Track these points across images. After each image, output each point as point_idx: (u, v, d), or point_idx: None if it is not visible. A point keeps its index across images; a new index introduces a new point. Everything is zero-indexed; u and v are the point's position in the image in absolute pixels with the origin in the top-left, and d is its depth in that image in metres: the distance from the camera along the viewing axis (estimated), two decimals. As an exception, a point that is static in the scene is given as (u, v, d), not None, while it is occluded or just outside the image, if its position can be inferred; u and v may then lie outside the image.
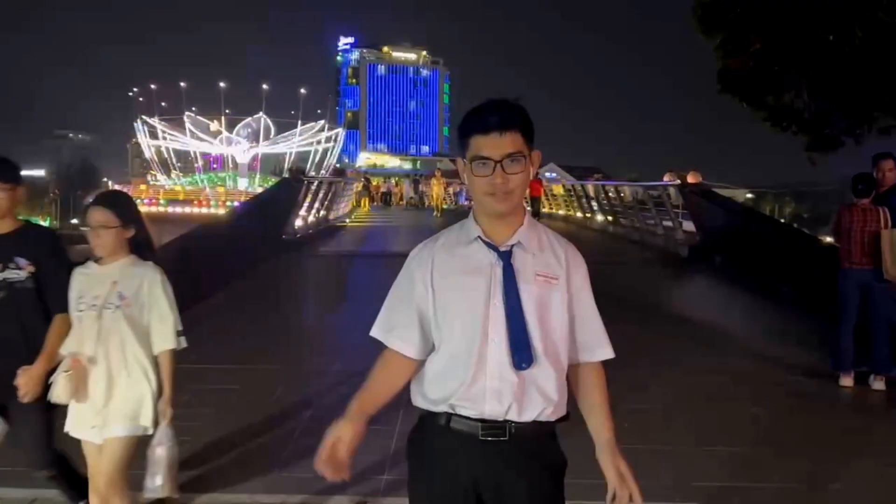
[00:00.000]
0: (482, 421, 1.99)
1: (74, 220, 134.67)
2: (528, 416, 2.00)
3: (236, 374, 6.51)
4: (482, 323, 2.00)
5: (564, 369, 2.08)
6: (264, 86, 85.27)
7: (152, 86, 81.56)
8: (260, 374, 6.55)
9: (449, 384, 2.01)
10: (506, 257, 2.03)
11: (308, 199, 18.12)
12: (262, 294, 10.63)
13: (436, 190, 30.34)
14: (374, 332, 2.15)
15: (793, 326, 8.66)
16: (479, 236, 2.06)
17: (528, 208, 2.31)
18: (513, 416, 1.99)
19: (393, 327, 2.11)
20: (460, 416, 2.01)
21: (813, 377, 6.68)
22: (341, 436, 1.99)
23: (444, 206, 30.30)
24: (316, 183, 19.58)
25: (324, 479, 2.10)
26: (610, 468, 2.08)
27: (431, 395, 2.06)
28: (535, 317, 2.01)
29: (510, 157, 1.98)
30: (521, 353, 1.98)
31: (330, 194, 21.11)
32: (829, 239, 9.94)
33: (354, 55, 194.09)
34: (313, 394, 5.99)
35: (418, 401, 2.11)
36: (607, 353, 2.16)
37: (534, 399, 2.00)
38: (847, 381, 6.45)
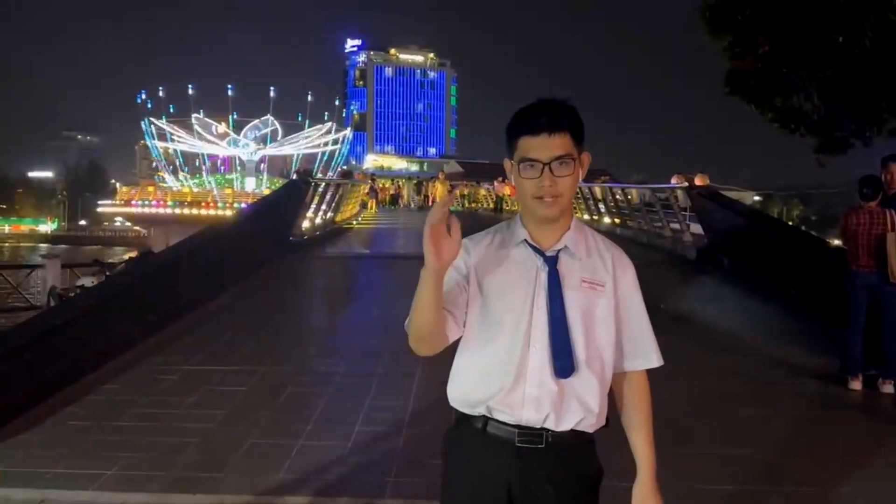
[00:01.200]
0: (519, 427, 1.96)
1: (83, 222, 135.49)
2: (566, 426, 1.97)
3: (243, 375, 6.51)
4: (525, 329, 1.95)
5: (607, 380, 2.04)
6: (271, 88, 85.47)
7: (160, 88, 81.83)
8: (267, 376, 6.55)
9: (487, 388, 1.98)
10: (552, 262, 1.99)
11: (315, 201, 18.14)
12: (268, 295, 10.64)
13: (439, 193, 29.34)
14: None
15: (800, 329, 8.62)
16: (525, 239, 2.01)
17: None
18: (550, 425, 1.96)
19: None
20: (497, 420, 1.98)
21: (821, 380, 6.65)
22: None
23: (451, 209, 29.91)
24: (323, 185, 19.60)
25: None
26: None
27: (469, 397, 2.02)
28: (579, 325, 1.96)
29: (559, 160, 1.92)
30: (563, 362, 1.94)
31: (337, 196, 21.13)
32: (836, 242, 9.90)
33: (362, 57, 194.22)
34: (320, 395, 5.99)
35: (455, 402, 2.06)
36: (654, 360, 2.11)
37: (573, 409, 1.96)
38: (856, 384, 6.42)
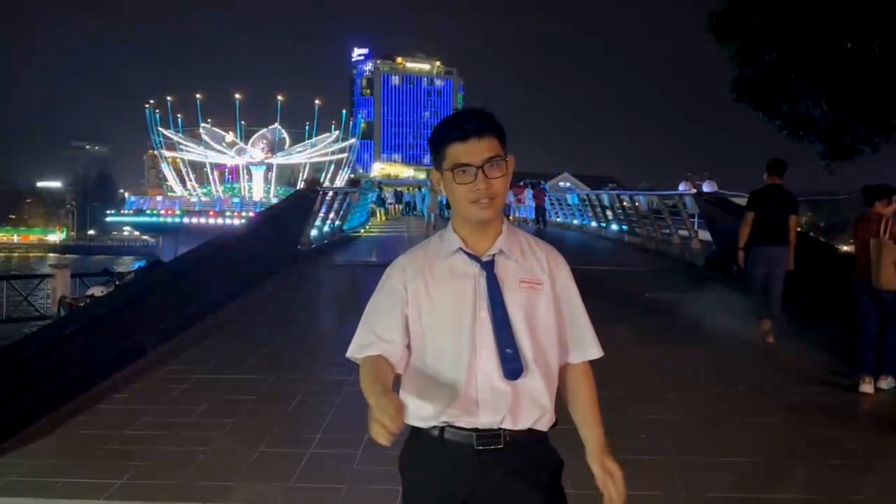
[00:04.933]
0: (476, 431, 1.98)
1: (91, 231, 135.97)
2: (522, 426, 2.00)
3: (253, 383, 6.52)
4: (469, 335, 1.98)
5: (556, 375, 2.07)
6: (279, 97, 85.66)
7: (167, 98, 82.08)
8: (277, 384, 6.55)
9: (439, 400, 1.99)
10: (488, 267, 2.03)
11: (323, 210, 18.19)
12: (277, 304, 10.66)
13: (430, 201, 24.14)
14: (351, 352, 2.09)
15: (810, 337, 8.58)
16: (460, 248, 2.05)
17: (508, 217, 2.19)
18: (507, 426, 1.98)
19: (374, 342, 2.04)
20: (454, 426, 2.00)
21: (831, 387, 6.62)
22: (396, 405, 1.80)
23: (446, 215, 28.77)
24: (330, 193, 19.65)
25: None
26: (596, 465, 2.07)
27: (421, 411, 2.03)
28: (523, 325, 2.00)
29: (490, 162, 1.98)
30: (512, 364, 1.96)
31: (345, 205, 21.18)
32: (845, 248, 9.93)
33: (368, 66, 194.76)
34: (330, 404, 5.99)
35: (409, 419, 2.04)
36: (595, 352, 2.14)
37: (527, 408, 1.99)
38: (867, 387, 6.41)
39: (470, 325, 1.98)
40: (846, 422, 5.86)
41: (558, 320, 2.08)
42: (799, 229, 8.60)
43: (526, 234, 2.16)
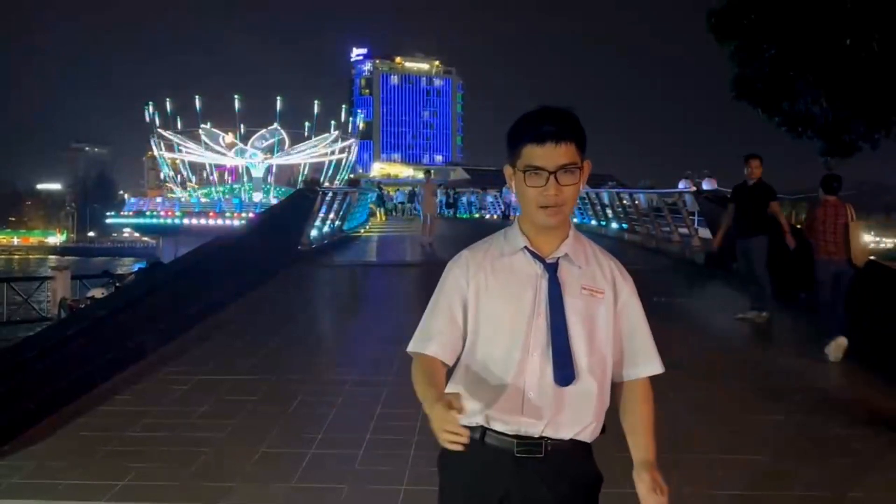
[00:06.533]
0: (518, 437, 1.96)
1: (91, 233, 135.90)
2: (564, 434, 1.96)
3: (254, 384, 6.52)
4: (524, 336, 1.95)
5: (606, 387, 2.03)
6: (278, 98, 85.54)
7: (167, 100, 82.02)
8: (277, 385, 6.55)
9: (485, 396, 1.97)
10: (552, 270, 1.99)
11: (323, 210, 18.17)
12: (277, 305, 10.65)
13: (428, 203, 20.77)
14: (411, 347, 2.06)
15: (810, 333, 8.57)
16: (525, 247, 2.01)
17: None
18: (549, 434, 1.95)
19: (431, 337, 2.03)
20: (495, 431, 1.98)
21: (833, 383, 6.62)
22: (453, 415, 1.78)
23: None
24: (330, 193, 19.64)
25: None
26: (642, 480, 1.99)
27: (466, 406, 1.98)
28: (579, 332, 1.96)
29: (564, 169, 1.93)
30: (564, 369, 1.93)
31: (345, 205, 21.16)
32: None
33: (367, 66, 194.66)
34: (331, 404, 5.98)
35: None
36: (655, 367, 2.10)
37: (572, 416, 1.96)
38: (841, 342, 7.14)
39: (526, 325, 1.95)
40: (849, 419, 5.84)
41: (620, 334, 2.05)
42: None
43: (592, 242, 2.13)
